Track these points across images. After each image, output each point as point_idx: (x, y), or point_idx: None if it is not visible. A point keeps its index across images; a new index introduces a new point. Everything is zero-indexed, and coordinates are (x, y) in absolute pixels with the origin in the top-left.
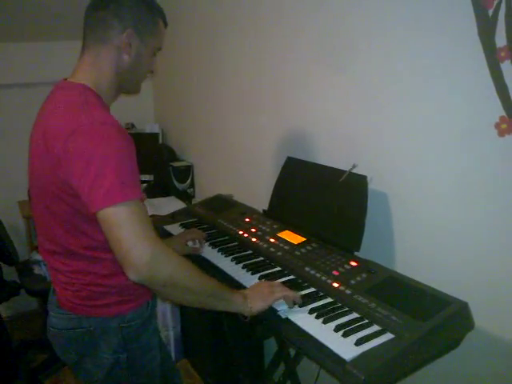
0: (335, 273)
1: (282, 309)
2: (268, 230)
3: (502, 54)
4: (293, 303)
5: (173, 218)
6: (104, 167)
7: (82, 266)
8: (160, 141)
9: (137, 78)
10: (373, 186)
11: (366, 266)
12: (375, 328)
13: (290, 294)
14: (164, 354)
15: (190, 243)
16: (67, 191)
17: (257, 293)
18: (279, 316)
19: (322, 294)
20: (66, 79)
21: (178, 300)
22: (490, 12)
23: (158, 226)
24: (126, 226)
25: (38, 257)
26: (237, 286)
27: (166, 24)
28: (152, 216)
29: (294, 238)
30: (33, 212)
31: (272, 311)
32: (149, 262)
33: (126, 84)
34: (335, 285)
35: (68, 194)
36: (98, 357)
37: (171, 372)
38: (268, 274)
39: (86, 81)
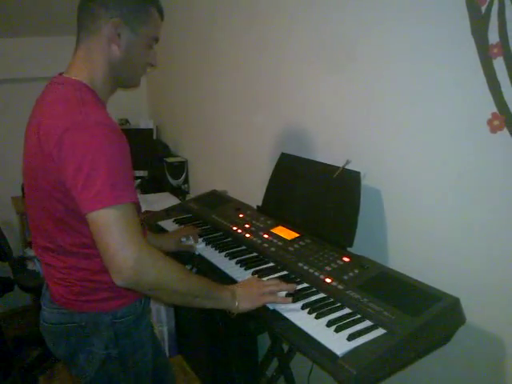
0: (328, 268)
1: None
2: (262, 225)
3: (495, 51)
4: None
5: (167, 213)
6: (96, 169)
7: (75, 262)
8: (154, 136)
9: (132, 71)
10: (366, 182)
11: (359, 261)
12: (367, 323)
13: (278, 300)
14: (157, 349)
15: (183, 240)
16: (60, 189)
17: (246, 292)
18: (271, 310)
19: (314, 289)
20: (61, 74)
21: (166, 301)
22: (483, 9)
23: (152, 222)
24: (113, 230)
25: (31, 253)
26: (230, 281)
27: (161, 13)
28: (146, 212)
29: (288, 234)
30: (26, 208)
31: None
32: (133, 267)
33: (122, 77)
34: (328, 280)
35: (61, 192)
36: (90, 352)
37: (164, 368)
38: (261, 269)
39: (81, 77)
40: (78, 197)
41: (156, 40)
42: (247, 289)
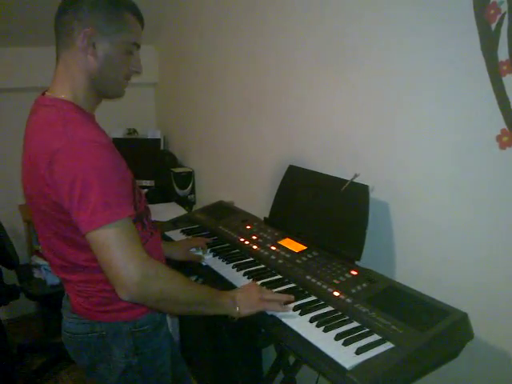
0: (336, 281)
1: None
2: (269, 237)
3: (504, 68)
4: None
5: (174, 224)
6: (87, 189)
7: (91, 276)
8: (161, 146)
9: (113, 80)
10: (374, 195)
11: (367, 275)
12: (375, 337)
13: (279, 307)
14: (176, 357)
15: (192, 250)
16: (61, 211)
17: (246, 297)
18: (280, 323)
19: (322, 302)
20: (44, 93)
21: (170, 312)
22: (493, 26)
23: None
24: (114, 248)
25: (38, 261)
26: None
27: (138, 16)
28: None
29: (295, 246)
30: (36, 229)
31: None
32: (139, 282)
33: (103, 88)
34: (336, 293)
35: (62, 214)
36: (111, 361)
37: (182, 375)
38: (269, 281)
39: (63, 94)
40: (75, 218)
41: (136, 46)
42: (247, 294)
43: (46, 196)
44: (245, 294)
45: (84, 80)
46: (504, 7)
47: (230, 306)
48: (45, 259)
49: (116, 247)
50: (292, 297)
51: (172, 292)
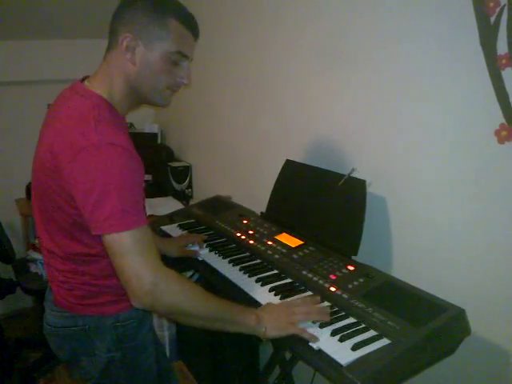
0: (332, 277)
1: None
2: (266, 232)
3: (503, 62)
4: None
5: (171, 218)
6: (107, 192)
7: (80, 268)
8: (159, 141)
9: (152, 88)
10: (372, 190)
11: (364, 270)
12: (372, 333)
13: (306, 335)
14: (160, 352)
15: (189, 245)
16: (70, 202)
17: (273, 319)
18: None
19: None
20: (83, 80)
21: (185, 324)
22: (492, 19)
23: (156, 227)
24: (128, 255)
25: (34, 255)
26: (234, 288)
27: (187, 25)
28: (150, 216)
29: (292, 241)
30: (33, 212)
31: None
32: (149, 291)
33: (143, 94)
34: (332, 289)
35: (70, 206)
36: (93, 355)
37: (167, 371)
38: (265, 276)
39: (101, 90)
40: (87, 217)
41: (183, 55)
42: (275, 315)
43: (60, 186)
44: (272, 316)
45: (121, 82)
46: None
47: (254, 325)
48: (41, 253)
49: (130, 255)
50: (327, 317)
51: (184, 305)
